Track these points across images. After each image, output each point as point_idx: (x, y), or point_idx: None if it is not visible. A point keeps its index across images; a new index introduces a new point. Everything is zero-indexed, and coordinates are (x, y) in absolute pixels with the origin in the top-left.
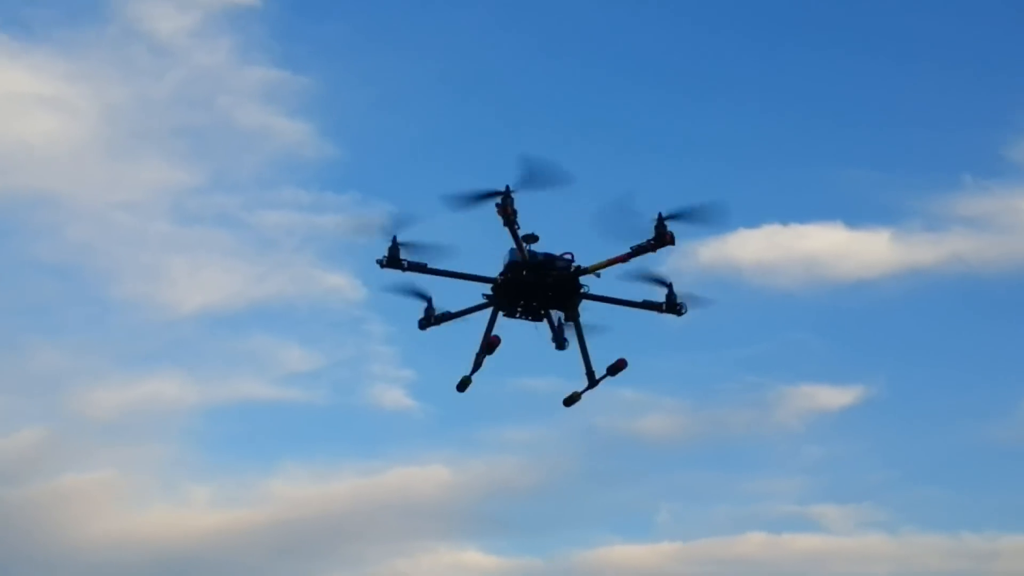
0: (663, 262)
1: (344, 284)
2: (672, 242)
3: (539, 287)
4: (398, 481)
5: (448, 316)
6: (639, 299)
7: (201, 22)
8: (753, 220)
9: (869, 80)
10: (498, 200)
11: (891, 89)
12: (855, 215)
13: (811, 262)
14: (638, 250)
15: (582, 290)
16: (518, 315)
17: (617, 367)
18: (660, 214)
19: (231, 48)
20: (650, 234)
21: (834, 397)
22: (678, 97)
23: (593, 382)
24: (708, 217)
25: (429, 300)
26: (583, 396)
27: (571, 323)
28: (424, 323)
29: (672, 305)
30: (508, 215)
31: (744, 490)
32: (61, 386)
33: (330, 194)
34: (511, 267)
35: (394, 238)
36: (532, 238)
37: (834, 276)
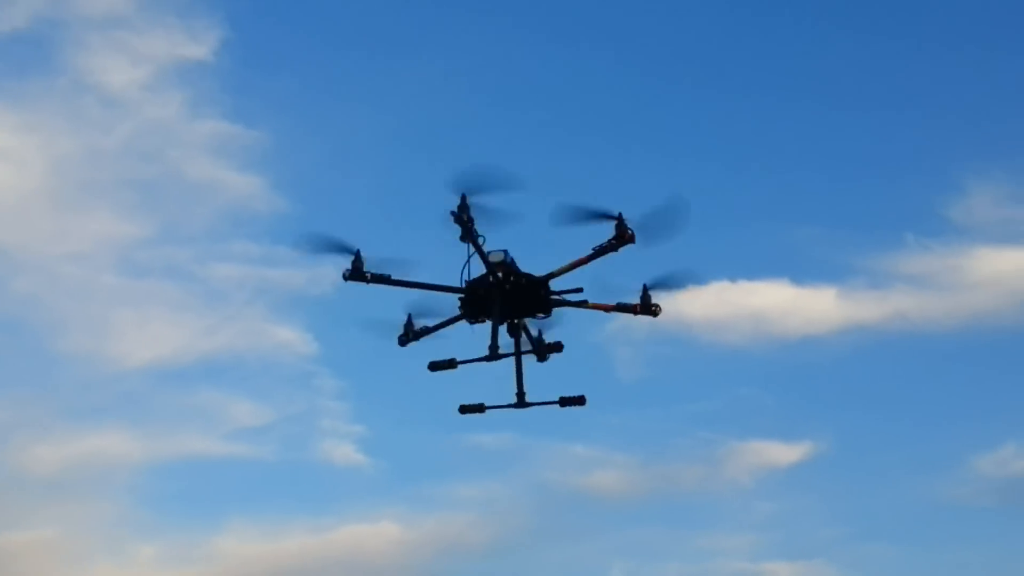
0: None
1: (295, 338)
2: (657, 315)
3: (532, 296)
4: (348, 538)
5: (386, 279)
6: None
7: (153, 76)
8: (702, 277)
9: (812, 139)
10: (618, 226)
11: (834, 149)
12: (801, 272)
13: (759, 318)
14: (621, 308)
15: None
16: (475, 319)
17: (573, 401)
18: (645, 286)
19: (182, 102)
20: (635, 296)
21: (783, 453)
22: (625, 153)
23: (521, 403)
24: (685, 282)
25: (357, 252)
26: (488, 411)
27: (514, 336)
28: (351, 275)
29: (541, 351)
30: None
31: (696, 547)
32: (3, 441)
33: (282, 248)
34: (504, 268)
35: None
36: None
37: (782, 332)
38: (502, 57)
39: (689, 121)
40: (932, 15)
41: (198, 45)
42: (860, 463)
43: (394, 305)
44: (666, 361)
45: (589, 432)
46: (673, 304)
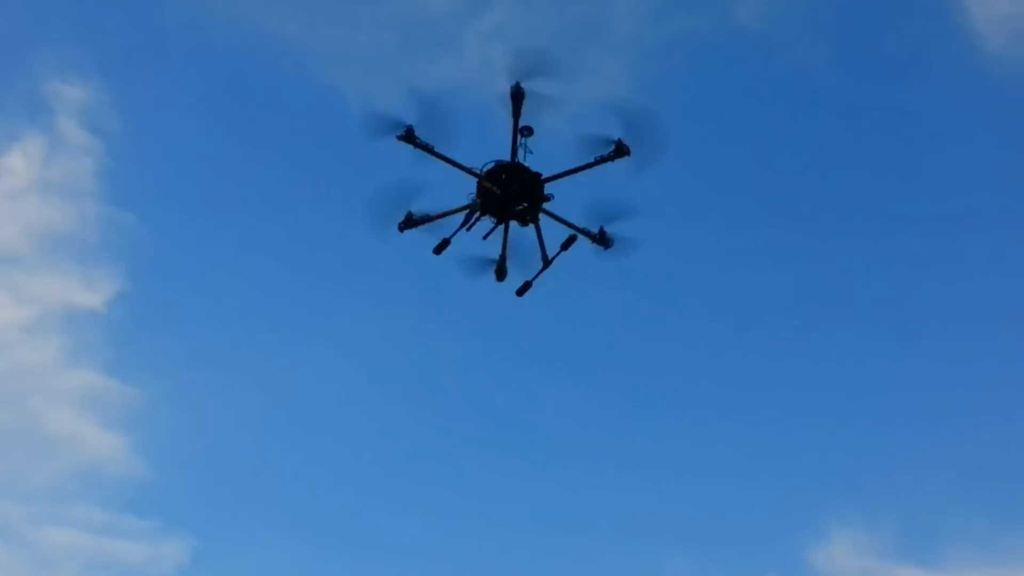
0: None
1: None
2: (629, 153)
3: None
4: None
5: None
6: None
7: (36, 318)
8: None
9: (683, 466)
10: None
11: (702, 481)
12: None
13: None
14: (599, 160)
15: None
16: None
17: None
18: (620, 139)
19: (60, 348)
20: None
21: None
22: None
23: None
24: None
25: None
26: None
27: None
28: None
29: (603, 240)
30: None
31: None
32: None
33: (129, 517)
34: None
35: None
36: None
37: None
38: (380, 351)
39: (561, 437)
40: (802, 347)
41: (92, 293)
42: None
43: None
44: None
45: None
46: None
